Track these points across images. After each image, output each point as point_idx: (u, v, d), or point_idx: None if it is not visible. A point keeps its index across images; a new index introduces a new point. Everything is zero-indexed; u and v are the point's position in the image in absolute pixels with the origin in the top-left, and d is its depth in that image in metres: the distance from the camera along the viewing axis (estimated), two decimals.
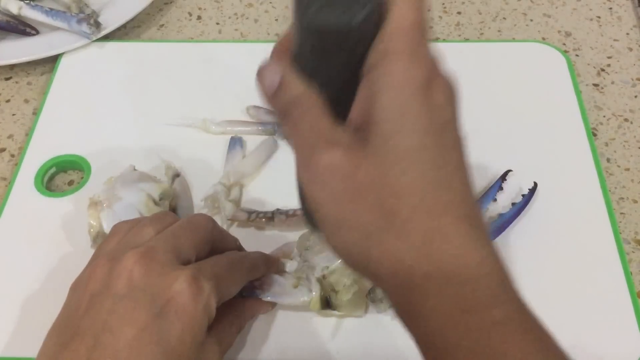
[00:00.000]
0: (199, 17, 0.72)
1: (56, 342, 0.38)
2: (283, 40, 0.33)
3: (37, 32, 0.68)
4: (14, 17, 0.67)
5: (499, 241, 0.52)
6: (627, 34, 0.70)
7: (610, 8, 0.73)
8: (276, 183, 0.55)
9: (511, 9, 0.73)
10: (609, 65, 0.67)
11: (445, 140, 0.30)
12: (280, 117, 0.32)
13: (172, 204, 0.53)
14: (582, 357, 0.46)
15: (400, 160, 0.29)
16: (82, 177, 0.57)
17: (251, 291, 0.46)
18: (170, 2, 0.74)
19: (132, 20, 0.70)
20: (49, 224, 0.53)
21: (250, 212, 0.53)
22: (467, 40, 0.69)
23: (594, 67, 0.67)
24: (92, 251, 0.50)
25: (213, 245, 0.43)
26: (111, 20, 0.68)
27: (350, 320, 0.48)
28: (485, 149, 0.57)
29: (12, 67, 0.67)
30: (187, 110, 0.61)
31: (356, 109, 0.30)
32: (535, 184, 0.54)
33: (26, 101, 0.64)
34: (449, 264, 0.29)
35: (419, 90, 0.29)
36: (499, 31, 0.70)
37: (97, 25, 0.66)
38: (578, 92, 0.62)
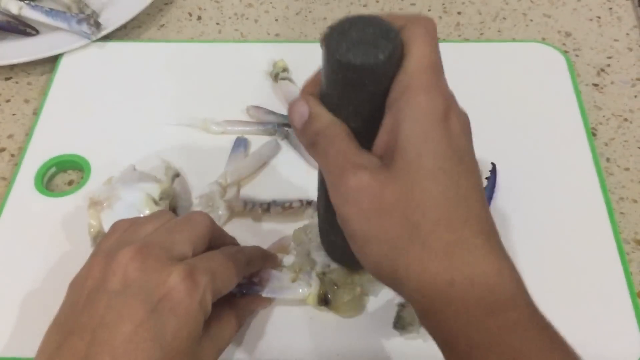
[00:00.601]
0: (199, 17, 0.73)
1: (55, 338, 0.38)
2: (310, 81, 0.37)
3: (37, 32, 0.68)
4: (14, 17, 0.67)
5: None
6: (627, 34, 0.70)
7: (610, 8, 0.73)
8: (274, 185, 0.55)
9: (511, 9, 0.73)
10: (608, 65, 0.67)
11: (462, 164, 0.34)
12: (309, 147, 0.36)
13: (172, 204, 0.53)
14: (582, 357, 0.46)
15: (423, 180, 0.33)
16: (82, 177, 0.57)
17: (250, 287, 0.46)
18: (170, 2, 0.74)
19: (132, 20, 0.70)
20: (49, 224, 0.53)
21: (246, 202, 0.53)
22: (467, 40, 0.69)
23: (594, 67, 0.67)
24: (92, 251, 0.50)
25: (210, 242, 0.44)
26: (111, 20, 0.68)
27: (347, 319, 0.48)
28: (485, 149, 0.57)
29: (12, 67, 0.67)
30: (187, 110, 0.61)
31: (381, 137, 0.34)
32: (494, 165, 0.55)
33: (26, 101, 0.64)
34: (470, 271, 0.32)
35: (438, 120, 0.33)
36: (499, 31, 0.70)
37: (97, 25, 0.66)
38: (578, 92, 0.62)
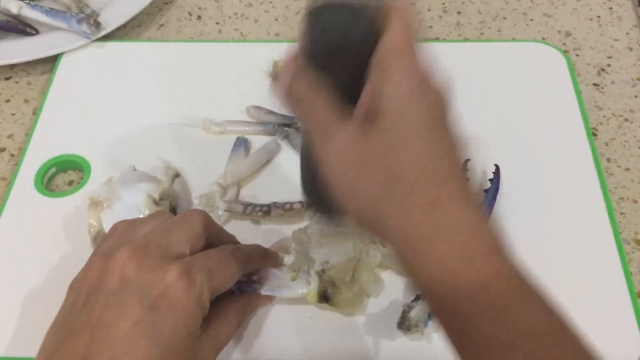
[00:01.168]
0: (199, 17, 0.72)
1: (54, 338, 0.38)
2: (288, 57, 0.39)
3: (37, 32, 0.68)
4: (14, 17, 0.67)
5: None
6: (627, 33, 0.70)
7: (610, 8, 0.73)
8: (274, 185, 0.55)
9: (511, 9, 0.73)
10: (609, 65, 0.67)
11: (440, 126, 0.35)
12: (295, 106, 0.38)
13: (172, 204, 0.53)
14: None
15: (406, 136, 0.34)
16: (82, 177, 0.57)
17: (250, 286, 0.46)
18: (170, 2, 0.74)
19: (132, 20, 0.69)
20: (49, 224, 0.53)
21: (246, 205, 0.53)
22: (467, 40, 0.69)
23: (594, 67, 0.67)
24: (92, 251, 0.50)
25: (209, 240, 0.44)
26: (111, 20, 0.68)
27: (347, 319, 0.48)
28: (485, 149, 0.57)
29: (12, 67, 0.67)
30: (187, 110, 0.61)
31: (363, 101, 0.36)
32: (497, 166, 0.55)
33: (26, 101, 0.64)
34: (449, 224, 0.34)
35: (419, 85, 0.35)
36: (499, 31, 0.70)
37: (97, 25, 0.66)
38: (578, 92, 0.62)
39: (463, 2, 0.74)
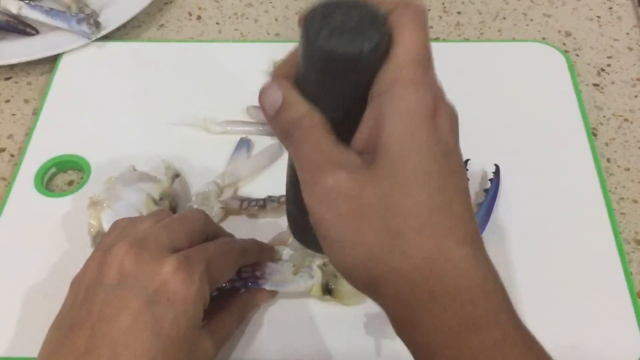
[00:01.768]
0: (199, 17, 0.72)
1: (56, 334, 0.38)
2: (284, 62, 0.34)
3: (37, 32, 0.68)
4: (14, 17, 0.67)
5: (496, 236, 0.52)
6: (627, 34, 0.70)
7: (610, 8, 0.73)
8: (272, 189, 0.55)
9: (511, 9, 0.73)
10: (609, 65, 0.67)
11: (449, 166, 0.31)
12: (282, 138, 0.33)
13: (172, 204, 0.53)
14: (582, 357, 0.46)
15: (407, 183, 0.30)
16: (82, 177, 0.57)
17: (255, 282, 0.46)
18: (170, 2, 0.74)
19: (132, 20, 0.69)
20: (49, 224, 0.53)
21: (242, 200, 0.53)
22: (467, 40, 0.69)
23: (594, 67, 0.67)
24: (92, 251, 0.50)
25: (207, 238, 0.44)
26: (111, 20, 0.68)
27: (347, 319, 0.48)
28: (485, 149, 0.58)
29: (12, 67, 0.67)
30: (187, 110, 0.61)
31: (362, 132, 0.31)
32: (497, 166, 0.55)
33: (26, 101, 0.64)
34: (452, 283, 0.30)
35: (426, 117, 0.30)
36: (499, 31, 0.70)
37: (97, 25, 0.66)
38: (578, 92, 0.62)
39: (463, 2, 0.74)
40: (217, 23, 0.72)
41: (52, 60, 0.66)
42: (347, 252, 0.31)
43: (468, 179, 0.55)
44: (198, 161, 0.57)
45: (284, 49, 0.66)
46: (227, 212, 0.53)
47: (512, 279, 0.50)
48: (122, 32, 0.70)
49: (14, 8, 0.67)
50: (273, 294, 0.48)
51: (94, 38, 0.66)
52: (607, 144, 0.60)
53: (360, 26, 0.30)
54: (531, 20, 0.71)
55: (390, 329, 0.47)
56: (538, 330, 0.47)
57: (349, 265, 0.32)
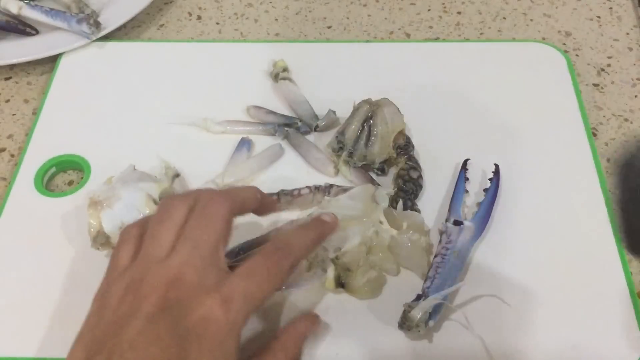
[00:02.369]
0: (199, 17, 0.72)
1: (80, 356, 0.38)
2: None
3: (37, 32, 0.68)
4: (14, 17, 0.67)
5: (495, 236, 0.52)
6: (627, 34, 0.70)
7: (611, 8, 0.73)
8: (274, 186, 0.55)
9: (511, 9, 0.73)
10: (609, 65, 0.67)
11: None
12: None
13: None
14: (582, 357, 0.46)
15: None
16: (82, 177, 0.57)
17: None
18: (170, 2, 0.74)
19: (132, 20, 0.70)
20: (49, 224, 0.53)
21: None
22: (467, 40, 0.69)
23: (594, 67, 0.67)
24: (92, 251, 0.50)
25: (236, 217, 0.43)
26: (111, 20, 0.68)
27: (347, 319, 0.48)
28: (485, 149, 0.58)
29: (12, 67, 0.67)
30: (187, 110, 0.61)
31: None
32: (497, 165, 0.55)
33: (26, 101, 0.64)
34: None
35: None
36: (499, 31, 0.70)
37: (97, 25, 0.66)
38: (578, 92, 0.62)
39: (463, 2, 0.74)
40: (217, 23, 0.72)
41: (52, 60, 0.66)
42: None
43: (467, 192, 0.55)
44: (198, 161, 0.57)
45: (284, 49, 0.67)
46: None
47: (512, 279, 0.50)
48: (122, 32, 0.70)
49: (14, 8, 0.67)
50: (319, 323, 0.46)
51: (94, 38, 0.66)
52: (607, 144, 0.60)
53: None
54: (531, 20, 0.71)
55: (391, 328, 0.47)
56: (538, 330, 0.47)
57: None
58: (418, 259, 0.49)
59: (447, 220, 0.52)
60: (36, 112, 0.62)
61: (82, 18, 0.66)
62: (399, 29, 0.71)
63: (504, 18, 0.72)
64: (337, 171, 0.56)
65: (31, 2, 0.68)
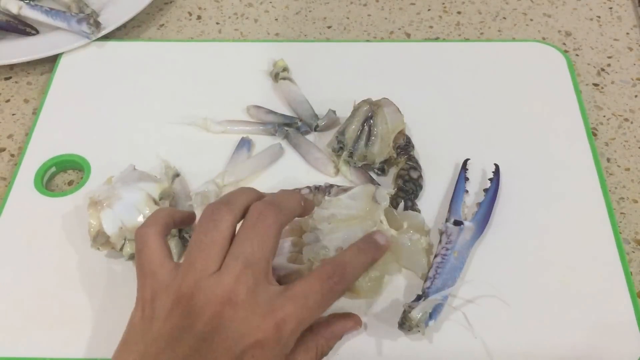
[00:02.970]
0: (199, 17, 0.72)
1: None
2: None
3: (37, 32, 0.68)
4: (14, 17, 0.67)
5: (495, 236, 0.52)
6: (627, 33, 0.70)
7: (611, 8, 0.73)
8: (274, 185, 0.55)
9: (511, 9, 0.73)
10: (609, 65, 0.67)
11: None
12: None
13: (172, 203, 0.53)
14: (582, 357, 0.46)
15: None
16: (82, 177, 0.57)
17: None
18: (170, 2, 0.74)
19: (132, 20, 0.70)
20: (49, 224, 0.53)
21: None
22: (467, 40, 0.69)
23: (594, 67, 0.67)
24: (92, 251, 0.50)
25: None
26: (111, 20, 0.68)
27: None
28: (485, 149, 0.58)
29: (12, 67, 0.67)
30: (187, 109, 0.61)
31: None
32: (497, 165, 0.55)
33: (26, 101, 0.64)
34: None
35: None
36: (499, 31, 0.70)
37: (97, 25, 0.66)
38: (578, 92, 0.62)
39: (463, 2, 0.74)
40: (217, 23, 0.72)
41: (52, 60, 0.66)
42: None
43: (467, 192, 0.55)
44: (198, 161, 0.57)
45: (284, 49, 0.67)
46: None
47: (512, 279, 0.50)
48: (122, 32, 0.70)
49: (14, 8, 0.67)
50: (360, 322, 0.46)
51: (94, 38, 0.66)
52: (607, 144, 0.60)
53: None
54: (531, 20, 0.71)
55: (392, 329, 0.47)
56: (538, 331, 0.47)
57: None
58: (418, 259, 0.49)
59: (447, 220, 0.52)
60: (36, 112, 0.62)
61: (82, 18, 0.66)
62: (399, 29, 0.71)
63: (504, 18, 0.72)
64: (337, 171, 0.56)
65: (31, 2, 0.68)
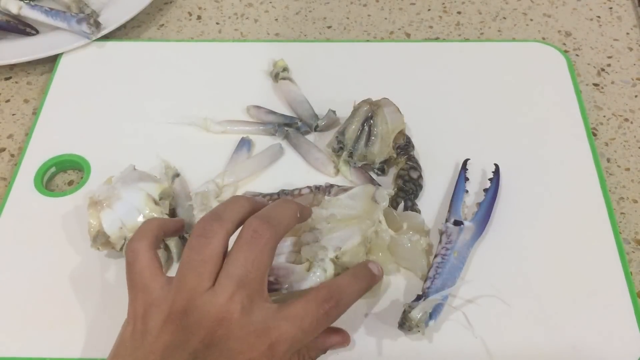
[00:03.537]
0: (199, 17, 0.72)
1: None
2: None
3: (37, 32, 0.68)
4: (14, 17, 0.67)
5: (495, 236, 0.52)
6: (627, 33, 0.70)
7: (611, 8, 0.73)
8: (274, 185, 0.55)
9: (511, 9, 0.73)
10: (609, 65, 0.67)
11: None
12: None
13: (172, 203, 0.53)
14: (582, 357, 0.46)
15: None
16: (82, 177, 0.57)
17: (268, 287, 0.46)
18: (170, 2, 0.74)
19: (132, 20, 0.70)
20: (49, 224, 0.53)
21: (255, 196, 0.53)
22: (467, 40, 0.69)
23: (594, 67, 0.67)
24: (92, 251, 0.50)
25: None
26: (111, 20, 0.68)
27: (348, 319, 0.48)
28: (485, 149, 0.58)
29: (12, 67, 0.67)
30: (187, 109, 0.61)
31: None
32: (497, 165, 0.55)
33: (26, 101, 0.64)
34: None
35: None
36: (499, 31, 0.70)
37: (97, 25, 0.66)
38: (578, 92, 0.62)
39: (463, 2, 0.74)
40: (217, 23, 0.72)
41: (52, 60, 0.66)
42: None
43: (468, 191, 0.55)
44: (198, 161, 0.57)
45: (284, 49, 0.67)
46: None
47: (512, 279, 0.50)
48: (122, 32, 0.70)
49: (14, 8, 0.67)
50: (348, 338, 0.46)
51: (94, 38, 0.66)
52: (607, 144, 0.60)
53: None
54: (531, 20, 0.71)
55: (392, 329, 0.47)
56: (538, 330, 0.47)
57: None
58: (418, 260, 0.49)
59: (447, 220, 0.52)
60: (36, 112, 0.62)
61: (82, 18, 0.66)
62: (399, 29, 0.71)
63: (504, 18, 0.72)
64: (337, 171, 0.56)
65: (31, 2, 0.68)
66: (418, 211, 0.53)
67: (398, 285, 0.49)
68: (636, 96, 0.64)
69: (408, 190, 0.53)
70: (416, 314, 0.45)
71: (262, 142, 0.58)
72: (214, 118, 0.60)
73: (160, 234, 0.44)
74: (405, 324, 0.45)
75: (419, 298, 0.47)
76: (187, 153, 0.58)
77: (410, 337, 0.47)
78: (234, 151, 0.57)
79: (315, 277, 0.46)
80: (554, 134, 0.59)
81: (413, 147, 0.56)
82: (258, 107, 0.61)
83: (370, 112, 0.56)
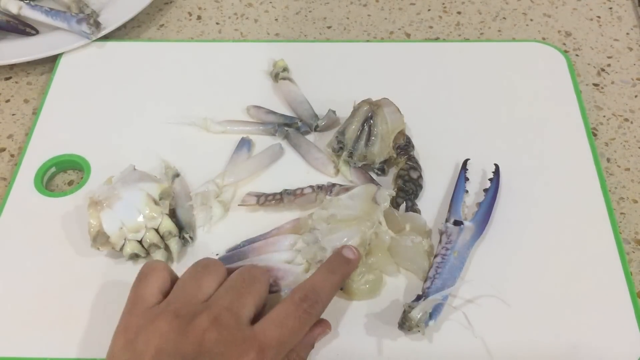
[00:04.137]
0: (199, 17, 0.72)
1: None
2: None
3: (37, 32, 0.68)
4: (14, 17, 0.67)
5: (495, 236, 0.52)
6: (627, 34, 0.70)
7: (610, 8, 0.73)
8: (274, 185, 0.55)
9: (511, 9, 0.73)
10: (609, 65, 0.67)
11: None
12: None
13: (172, 204, 0.53)
14: (582, 357, 0.46)
15: None
16: (82, 177, 0.57)
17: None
18: (170, 2, 0.74)
19: (132, 20, 0.70)
20: (49, 224, 0.53)
21: (259, 196, 0.53)
22: (467, 40, 0.69)
23: (594, 67, 0.67)
24: (92, 251, 0.50)
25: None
26: (111, 20, 0.68)
27: (348, 319, 0.48)
28: (485, 149, 0.58)
29: (12, 67, 0.67)
30: (187, 109, 0.61)
31: None
32: (497, 165, 0.55)
33: (26, 101, 0.64)
34: None
35: None
36: (499, 31, 0.70)
37: (97, 25, 0.66)
38: (578, 92, 0.62)
39: (463, 2, 0.74)
40: (217, 23, 0.72)
41: (52, 60, 0.66)
42: None
43: (467, 192, 0.55)
44: (198, 161, 0.57)
45: (284, 49, 0.67)
46: (238, 208, 0.53)
47: (512, 279, 0.50)
48: (121, 32, 0.70)
49: (14, 8, 0.67)
50: (329, 326, 0.46)
51: (94, 38, 0.66)
52: (607, 144, 0.60)
53: None
54: (531, 20, 0.71)
55: (391, 328, 0.47)
56: (538, 330, 0.47)
57: None
58: (419, 261, 0.49)
59: (447, 220, 0.52)
60: (36, 112, 0.62)
61: (82, 18, 0.66)
62: (399, 29, 0.71)
63: (504, 18, 0.72)
64: (337, 171, 0.56)
65: (31, 2, 0.68)
66: (418, 211, 0.53)
67: (398, 285, 0.49)
68: (636, 96, 0.64)
69: (408, 190, 0.53)
70: (416, 314, 0.45)
71: (262, 142, 0.59)
72: (214, 118, 0.60)
73: (169, 281, 0.44)
74: (405, 324, 0.45)
75: (419, 298, 0.47)
76: (187, 153, 0.58)
77: (410, 337, 0.47)
78: (234, 151, 0.57)
79: None
80: (554, 134, 0.59)
81: (413, 147, 0.56)
82: (258, 107, 0.61)
83: (370, 112, 0.56)
